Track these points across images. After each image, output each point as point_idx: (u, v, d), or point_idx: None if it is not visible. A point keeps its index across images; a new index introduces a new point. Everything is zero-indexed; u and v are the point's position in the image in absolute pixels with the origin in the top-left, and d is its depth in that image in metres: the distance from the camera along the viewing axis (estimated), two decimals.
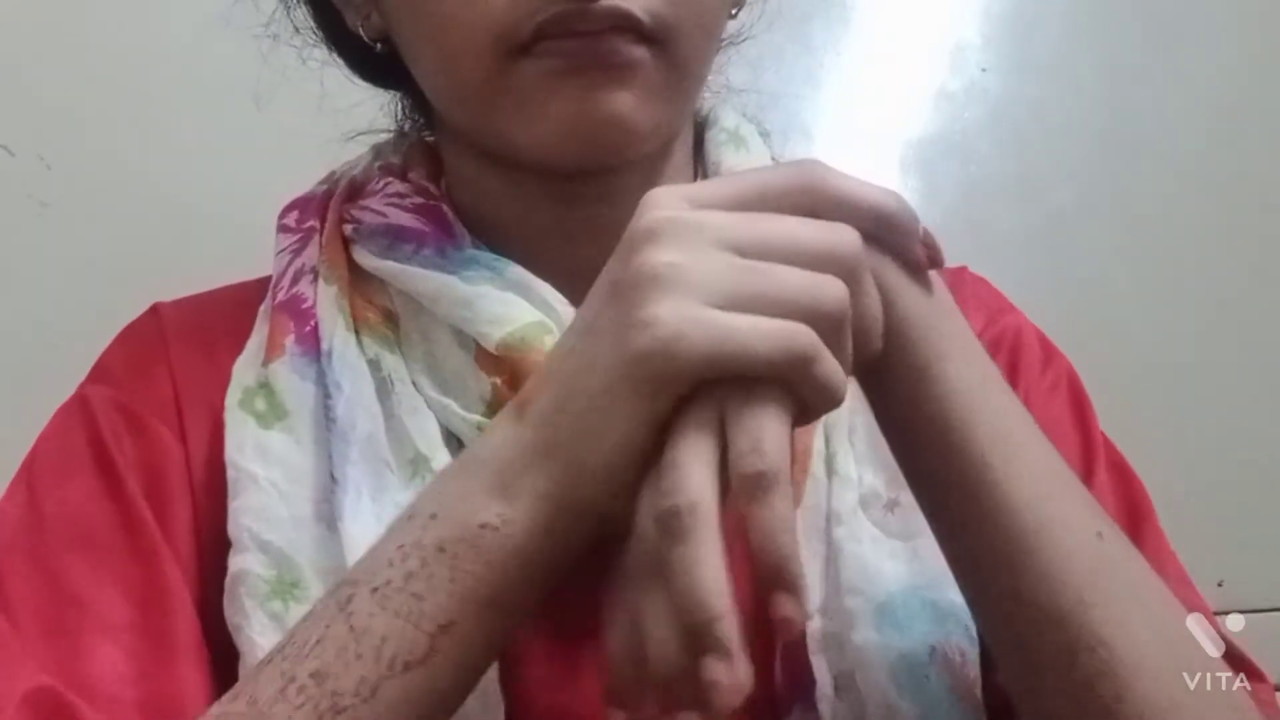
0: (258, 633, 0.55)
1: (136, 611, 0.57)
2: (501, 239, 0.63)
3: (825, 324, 0.45)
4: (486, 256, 0.61)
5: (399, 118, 0.71)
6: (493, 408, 0.59)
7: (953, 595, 0.59)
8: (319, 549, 0.57)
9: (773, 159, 0.70)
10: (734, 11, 0.67)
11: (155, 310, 0.66)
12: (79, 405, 0.63)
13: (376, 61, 0.67)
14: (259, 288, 0.66)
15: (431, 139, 0.69)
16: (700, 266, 0.45)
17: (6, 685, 0.53)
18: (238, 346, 0.63)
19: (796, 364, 0.44)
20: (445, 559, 0.47)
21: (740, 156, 0.68)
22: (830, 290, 0.45)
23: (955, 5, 1.17)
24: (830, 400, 0.45)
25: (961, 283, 0.70)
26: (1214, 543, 1.15)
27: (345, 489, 0.57)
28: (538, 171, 0.61)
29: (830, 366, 0.45)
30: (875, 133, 1.15)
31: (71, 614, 0.56)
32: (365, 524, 0.57)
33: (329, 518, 0.57)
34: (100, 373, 0.64)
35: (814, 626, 0.59)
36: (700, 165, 0.69)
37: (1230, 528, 1.15)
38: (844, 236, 0.47)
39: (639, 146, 0.60)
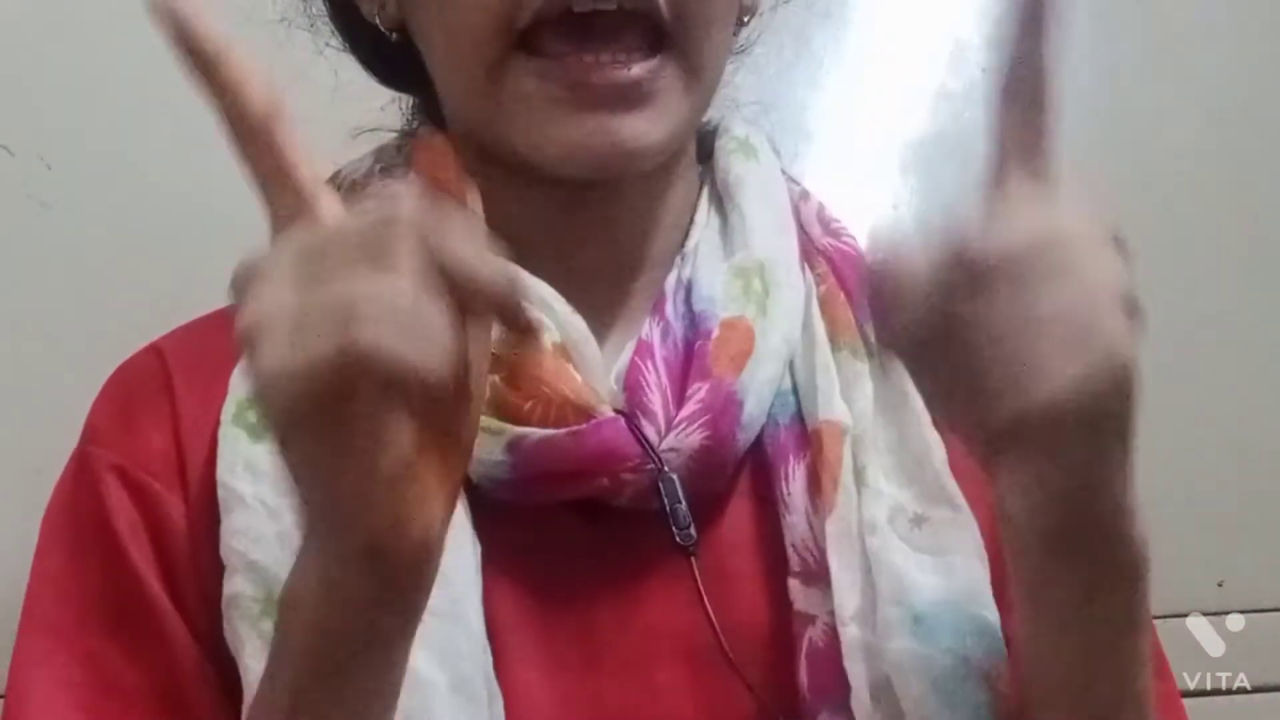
0: (250, 655, 0.56)
1: (157, 688, 0.58)
2: (502, 242, 0.63)
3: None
4: None
5: (408, 117, 0.71)
6: (493, 405, 0.59)
7: (986, 613, 0.60)
8: None
9: (782, 170, 0.71)
10: (745, 19, 0.67)
11: (155, 350, 0.66)
12: (80, 471, 0.63)
13: (391, 56, 0.67)
14: None
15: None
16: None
17: None
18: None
19: None
20: (280, 646, 0.48)
21: (750, 165, 0.68)
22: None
23: (955, 5, 1.17)
24: None
25: None
26: (1214, 543, 1.15)
27: None
28: (540, 176, 0.61)
29: None
30: (875, 133, 1.15)
31: (107, 699, 0.58)
32: None
33: None
34: (94, 431, 0.64)
35: (849, 634, 0.59)
36: (710, 174, 0.69)
37: (1230, 528, 1.15)
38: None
39: (652, 162, 0.61)
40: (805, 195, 0.72)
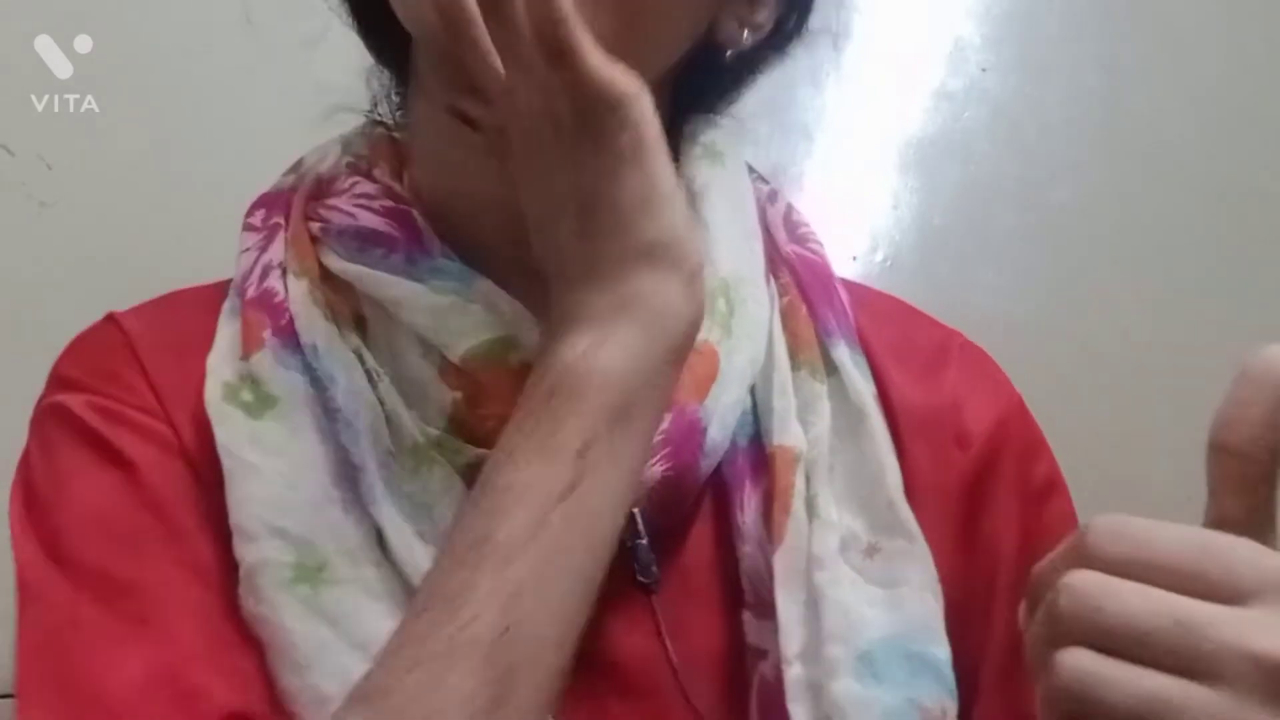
0: (290, 618, 0.55)
1: (196, 589, 0.56)
2: (466, 231, 0.62)
3: None
4: (455, 267, 0.60)
5: (376, 95, 0.69)
6: (453, 422, 0.59)
7: (934, 649, 0.59)
8: (338, 532, 0.56)
9: (750, 170, 0.69)
10: (729, 51, 0.64)
11: (112, 319, 0.64)
12: (56, 414, 0.61)
13: (384, 28, 0.65)
14: (216, 291, 0.65)
15: (398, 134, 0.68)
16: None
17: (119, 673, 0.53)
18: (205, 346, 0.61)
19: None
20: (564, 399, 0.50)
21: (716, 171, 0.66)
22: None
23: (955, 5, 1.17)
24: None
25: (949, 354, 0.68)
26: None
27: (373, 475, 0.57)
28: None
29: None
30: (875, 133, 1.15)
31: (140, 603, 0.55)
32: (389, 511, 0.57)
33: (343, 502, 0.57)
34: (66, 382, 0.62)
35: (793, 673, 0.58)
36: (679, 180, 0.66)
37: None
38: None
39: None
40: (773, 196, 0.69)
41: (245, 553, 0.56)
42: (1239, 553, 0.41)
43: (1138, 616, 0.40)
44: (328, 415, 0.58)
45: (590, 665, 0.57)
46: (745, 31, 0.62)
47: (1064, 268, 1.16)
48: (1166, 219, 1.17)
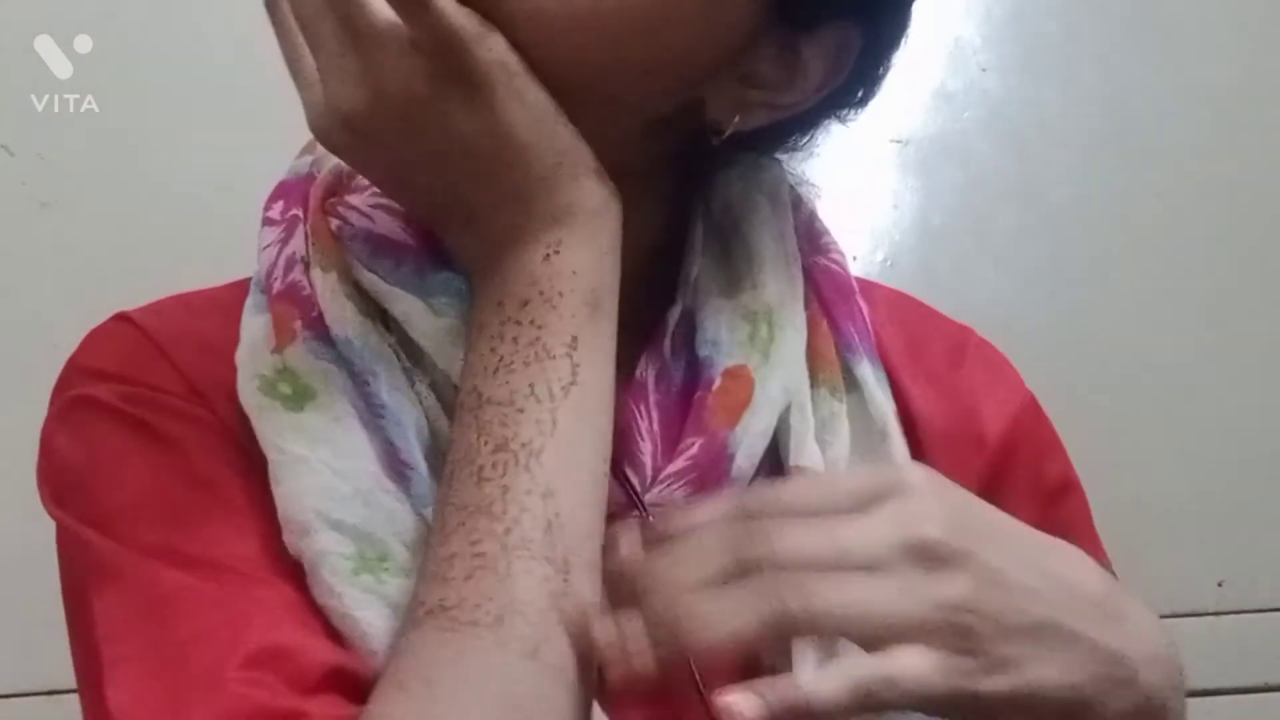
0: (357, 607, 0.54)
1: (263, 560, 0.56)
2: None
3: None
4: (460, 284, 0.59)
5: None
6: None
7: None
8: (396, 522, 0.56)
9: (786, 174, 0.68)
10: (714, 139, 0.59)
11: (126, 317, 0.63)
12: (88, 404, 0.60)
13: None
14: (231, 291, 0.64)
15: None
16: None
17: (216, 638, 0.52)
18: (225, 344, 0.60)
19: None
20: (539, 304, 0.53)
21: (760, 184, 0.65)
22: None
23: (955, 5, 1.17)
24: None
25: (965, 352, 0.68)
26: (1214, 543, 1.15)
27: (423, 475, 0.56)
28: None
29: None
30: (875, 133, 1.15)
31: (217, 572, 0.55)
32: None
33: (395, 492, 0.56)
34: (93, 373, 0.61)
35: None
36: (703, 196, 0.65)
37: (1230, 528, 1.15)
38: None
39: None
40: (798, 203, 0.67)
41: (302, 546, 0.55)
42: (848, 479, 0.52)
43: (806, 548, 0.47)
44: (370, 409, 0.57)
45: None
46: (738, 117, 0.58)
47: (1064, 268, 1.16)
48: (1166, 219, 1.17)
